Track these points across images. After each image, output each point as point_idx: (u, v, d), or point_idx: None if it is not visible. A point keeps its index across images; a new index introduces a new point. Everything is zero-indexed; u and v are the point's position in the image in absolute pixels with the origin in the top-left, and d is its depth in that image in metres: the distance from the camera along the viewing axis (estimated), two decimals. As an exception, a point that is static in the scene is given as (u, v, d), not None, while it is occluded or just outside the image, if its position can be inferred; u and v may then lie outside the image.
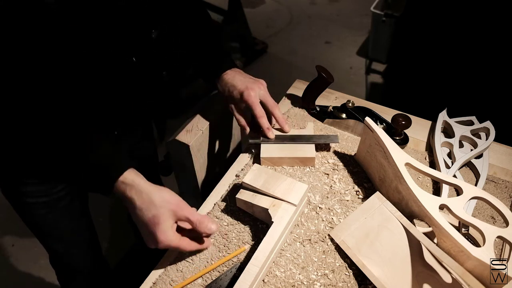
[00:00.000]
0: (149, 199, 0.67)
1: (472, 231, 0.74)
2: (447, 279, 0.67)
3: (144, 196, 0.67)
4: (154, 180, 0.74)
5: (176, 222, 0.69)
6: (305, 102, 1.01)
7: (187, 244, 0.70)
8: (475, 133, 0.93)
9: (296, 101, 1.05)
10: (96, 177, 0.69)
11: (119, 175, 0.68)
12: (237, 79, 0.90)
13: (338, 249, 0.75)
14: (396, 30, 2.34)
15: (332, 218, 0.79)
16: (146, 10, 0.79)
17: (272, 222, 0.72)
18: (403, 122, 0.88)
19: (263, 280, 0.71)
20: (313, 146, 0.89)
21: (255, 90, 0.87)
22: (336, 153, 0.92)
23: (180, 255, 0.75)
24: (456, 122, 0.94)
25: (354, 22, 3.13)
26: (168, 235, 0.67)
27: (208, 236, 0.74)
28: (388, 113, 1.02)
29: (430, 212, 0.68)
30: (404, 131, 0.92)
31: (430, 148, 0.93)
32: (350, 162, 0.90)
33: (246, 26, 2.71)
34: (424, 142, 0.95)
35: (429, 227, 0.70)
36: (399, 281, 0.67)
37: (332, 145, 0.94)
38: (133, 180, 0.68)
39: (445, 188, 0.80)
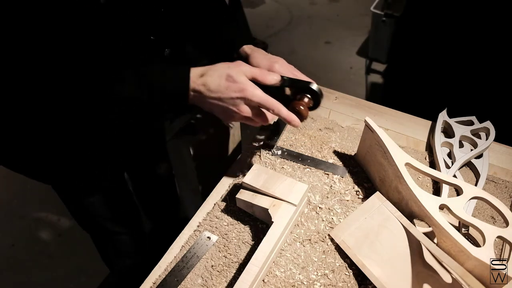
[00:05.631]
0: (214, 70, 0.69)
1: (472, 231, 0.74)
2: (447, 279, 0.67)
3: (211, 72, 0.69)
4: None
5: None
6: None
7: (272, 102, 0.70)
8: (475, 133, 0.93)
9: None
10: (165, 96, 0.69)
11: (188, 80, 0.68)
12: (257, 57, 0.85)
13: (338, 249, 0.75)
14: (396, 30, 2.34)
15: (332, 218, 0.79)
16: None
17: (272, 222, 0.72)
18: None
19: (263, 280, 0.71)
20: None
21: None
22: (336, 153, 0.92)
23: (178, 256, 0.75)
24: (456, 122, 0.94)
25: (354, 22, 3.12)
26: (250, 84, 0.68)
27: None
28: (388, 113, 1.02)
29: (430, 212, 0.68)
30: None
31: (430, 148, 0.93)
32: (350, 162, 0.90)
33: (246, 26, 2.71)
34: (424, 142, 0.95)
35: (429, 227, 0.70)
36: (399, 281, 0.67)
37: (332, 145, 0.94)
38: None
39: (445, 188, 0.80)
